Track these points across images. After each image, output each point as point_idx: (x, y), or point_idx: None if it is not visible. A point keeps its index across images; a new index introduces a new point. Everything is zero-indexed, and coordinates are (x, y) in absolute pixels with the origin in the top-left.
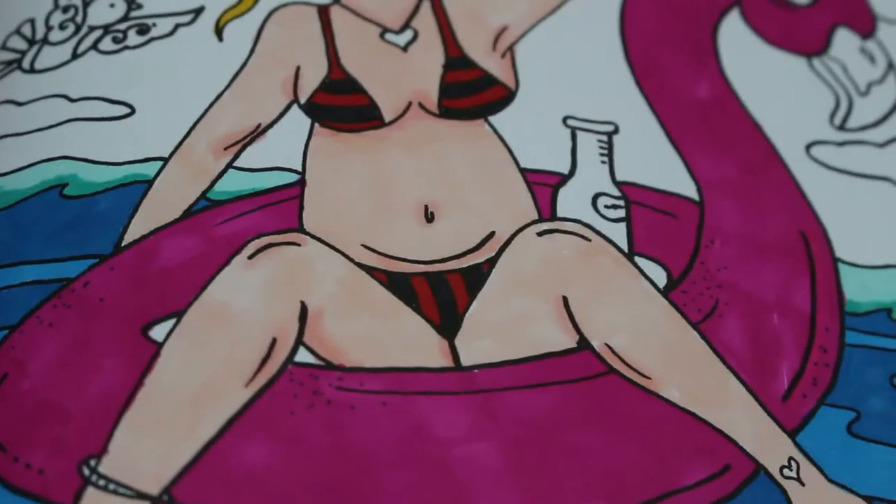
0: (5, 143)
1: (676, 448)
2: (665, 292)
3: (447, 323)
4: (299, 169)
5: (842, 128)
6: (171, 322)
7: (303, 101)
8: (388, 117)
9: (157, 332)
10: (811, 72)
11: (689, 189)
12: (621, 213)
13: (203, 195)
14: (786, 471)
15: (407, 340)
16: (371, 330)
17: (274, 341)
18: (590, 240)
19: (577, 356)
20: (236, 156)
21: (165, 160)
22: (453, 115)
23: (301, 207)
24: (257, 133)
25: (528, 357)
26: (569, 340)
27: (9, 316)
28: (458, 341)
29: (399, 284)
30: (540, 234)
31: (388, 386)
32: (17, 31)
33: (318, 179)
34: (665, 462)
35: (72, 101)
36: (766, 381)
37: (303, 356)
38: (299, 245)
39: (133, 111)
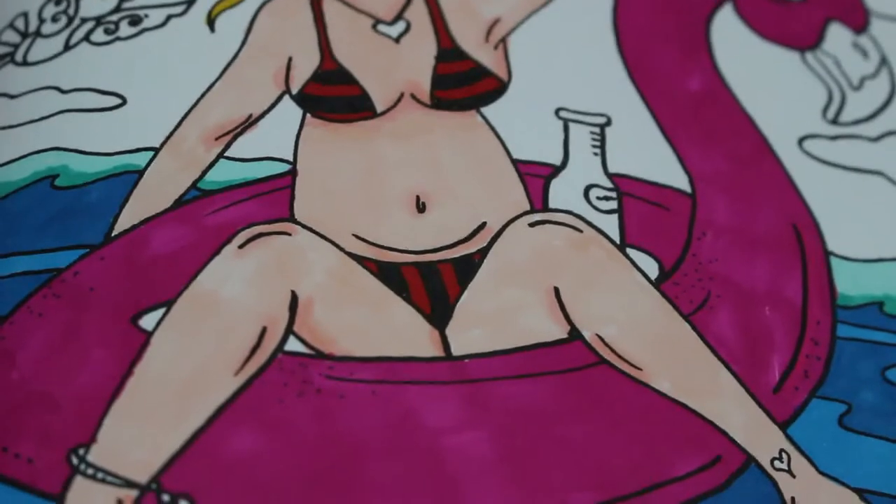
0: None
1: (667, 439)
2: (657, 284)
3: (438, 313)
4: (290, 159)
5: (834, 122)
6: (161, 311)
7: (294, 91)
8: (380, 108)
9: (147, 322)
10: (804, 66)
11: (681, 181)
12: (613, 204)
13: (194, 185)
14: (777, 463)
15: (397, 330)
16: (361, 319)
17: (264, 330)
18: (581, 231)
19: (568, 346)
20: (227, 146)
21: (156, 150)
22: (445, 106)
23: (292, 197)
24: (249, 123)
25: (518, 347)
26: (560, 331)
27: None
28: (448, 331)
29: (390, 274)
30: (532, 224)
31: (379, 375)
32: (11, 25)
33: (310, 169)
34: (655, 453)
35: (63, 92)
36: (758, 374)
37: (293, 345)
38: (290, 235)
39: (124, 102)
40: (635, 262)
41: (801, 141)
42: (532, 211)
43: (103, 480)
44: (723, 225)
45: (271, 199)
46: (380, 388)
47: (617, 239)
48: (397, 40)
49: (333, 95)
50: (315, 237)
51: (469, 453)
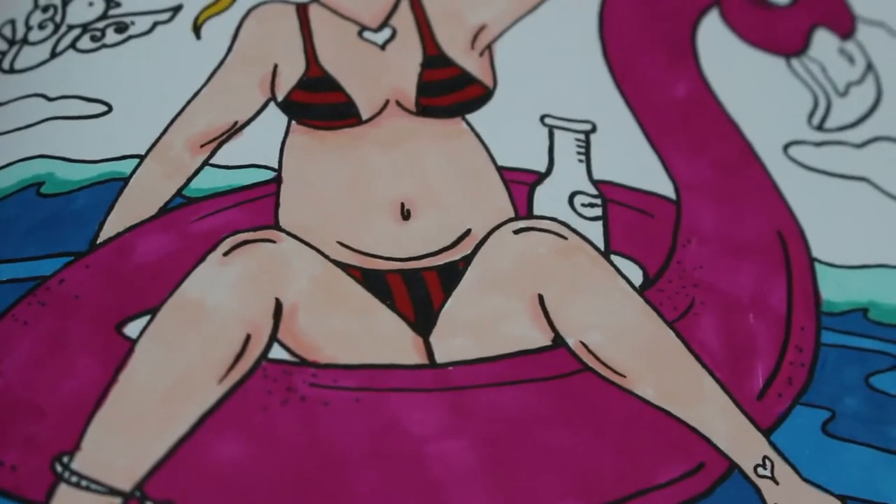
0: None
1: (651, 446)
2: (641, 291)
3: (422, 320)
4: (276, 166)
5: (820, 128)
6: (146, 319)
7: (280, 98)
8: (365, 115)
9: (132, 329)
10: (790, 72)
11: (666, 188)
12: (598, 211)
13: (179, 192)
14: (760, 469)
15: (381, 337)
16: (346, 327)
17: (248, 338)
18: (566, 238)
19: (552, 354)
20: (213, 153)
21: (142, 158)
22: (431, 113)
23: (277, 205)
24: (234, 130)
25: (502, 354)
26: (544, 338)
27: None
28: (432, 339)
29: (374, 282)
30: (516, 231)
31: (363, 383)
32: None
33: (295, 177)
34: (639, 460)
35: (50, 100)
36: (742, 380)
37: (277, 353)
38: (274, 242)
39: (110, 109)
40: (619, 269)
41: (786, 147)
42: (517, 218)
43: (87, 488)
44: (707, 232)
45: (256, 206)
46: (364, 396)
47: (601, 246)
48: (383, 47)
49: (319, 102)
50: (300, 244)
51: (453, 461)
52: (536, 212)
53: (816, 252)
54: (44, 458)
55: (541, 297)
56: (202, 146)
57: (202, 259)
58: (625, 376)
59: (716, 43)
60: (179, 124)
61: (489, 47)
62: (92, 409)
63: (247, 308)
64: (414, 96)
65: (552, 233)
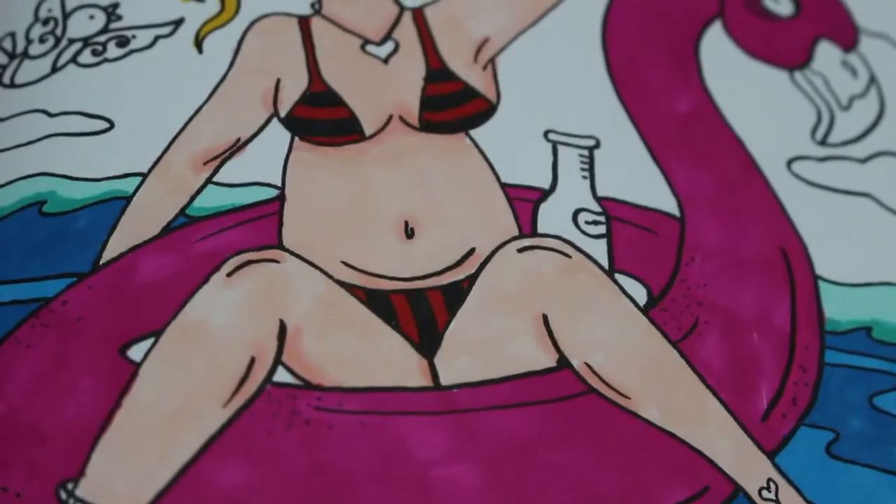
0: None
1: (655, 468)
2: (645, 310)
3: (427, 341)
4: (279, 184)
5: (823, 143)
6: (150, 341)
7: (283, 114)
8: (368, 131)
9: (136, 352)
10: (793, 85)
11: (670, 205)
12: (602, 229)
13: (182, 211)
14: (764, 492)
15: (386, 359)
16: (350, 348)
17: (252, 360)
18: (570, 256)
19: (557, 375)
20: (215, 171)
21: (144, 176)
22: (434, 128)
23: (280, 223)
24: (237, 147)
25: (507, 376)
26: (549, 359)
27: None
28: (437, 360)
29: (378, 302)
30: (520, 250)
31: (367, 406)
32: None
33: (298, 195)
34: (644, 482)
35: (51, 115)
36: (746, 401)
37: (281, 375)
38: (278, 262)
39: (112, 126)
40: (624, 288)
41: (789, 162)
42: (521, 236)
43: None
44: (711, 249)
45: (259, 225)
46: (368, 419)
47: (606, 264)
48: (386, 61)
49: (322, 118)
50: (303, 264)
51: (458, 484)
52: (541, 229)
53: (820, 269)
54: (48, 484)
55: (545, 317)
56: (205, 164)
57: (205, 280)
58: (629, 398)
59: (719, 56)
60: (182, 142)
61: (492, 61)
62: (96, 434)
63: (251, 330)
64: (417, 111)
65: (556, 251)
